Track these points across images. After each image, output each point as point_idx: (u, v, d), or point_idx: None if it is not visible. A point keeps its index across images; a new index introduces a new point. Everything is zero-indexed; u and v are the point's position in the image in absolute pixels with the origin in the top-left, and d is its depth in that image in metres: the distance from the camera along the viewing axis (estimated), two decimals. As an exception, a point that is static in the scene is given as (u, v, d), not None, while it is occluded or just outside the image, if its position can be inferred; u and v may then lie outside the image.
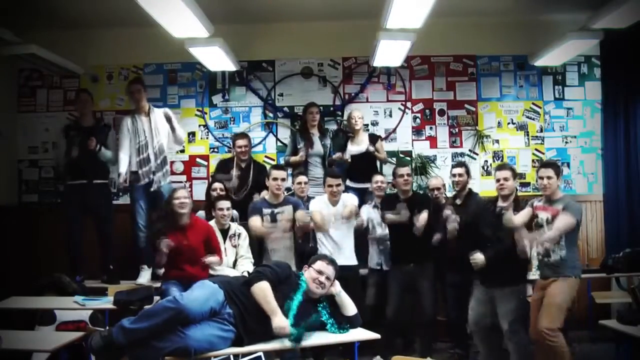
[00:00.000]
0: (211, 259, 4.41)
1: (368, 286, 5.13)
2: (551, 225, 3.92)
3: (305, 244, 4.90)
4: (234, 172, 5.45)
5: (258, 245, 4.86)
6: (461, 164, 5.14)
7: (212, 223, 4.76)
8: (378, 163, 5.79)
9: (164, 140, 5.36)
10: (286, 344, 3.24)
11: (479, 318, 4.37)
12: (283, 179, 4.77)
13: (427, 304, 4.81)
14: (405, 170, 4.91)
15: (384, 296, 4.95)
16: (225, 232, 4.76)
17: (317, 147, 5.65)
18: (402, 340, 5.21)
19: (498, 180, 4.28)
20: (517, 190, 4.52)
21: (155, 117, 5.38)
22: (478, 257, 4.18)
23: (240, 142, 5.58)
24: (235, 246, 4.76)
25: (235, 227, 4.84)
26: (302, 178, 5.12)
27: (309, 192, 5.23)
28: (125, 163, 5.26)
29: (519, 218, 4.08)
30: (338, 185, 4.80)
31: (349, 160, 5.56)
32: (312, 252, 4.76)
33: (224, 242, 4.73)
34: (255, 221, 4.66)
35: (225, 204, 4.74)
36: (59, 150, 5.39)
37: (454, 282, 4.91)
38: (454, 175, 4.98)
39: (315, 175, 5.59)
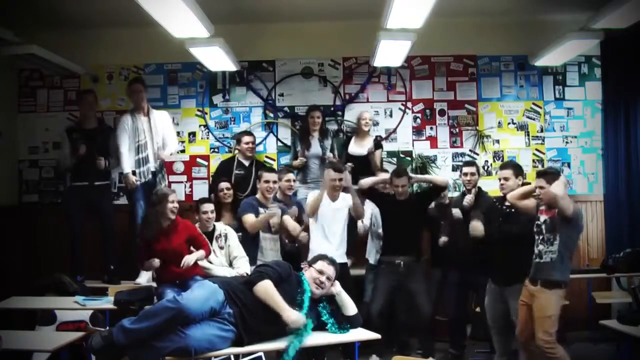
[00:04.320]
0: (192, 256, 4.30)
1: (366, 282, 5.14)
2: (549, 227, 3.93)
3: (292, 244, 4.92)
4: (235, 172, 5.47)
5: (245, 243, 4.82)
6: (472, 163, 5.12)
7: (196, 226, 4.71)
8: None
9: (160, 143, 5.39)
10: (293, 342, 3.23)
11: (495, 316, 4.42)
12: (274, 182, 4.81)
13: (422, 302, 4.79)
14: (401, 181, 4.87)
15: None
16: (210, 235, 4.68)
17: (315, 149, 5.66)
18: (398, 340, 5.21)
19: (499, 180, 4.43)
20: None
21: (155, 118, 5.42)
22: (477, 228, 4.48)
23: (248, 138, 5.69)
24: (222, 247, 4.70)
25: (220, 228, 4.78)
26: (290, 176, 5.10)
27: (307, 193, 5.23)
28: (127, 161, 5.29)
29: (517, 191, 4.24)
30: (340, 179, 4.79)
31: (350, 166, 5.56)
32: (295, 251, 4.85)
33: (211, 245, 4.63)
34: (249, 217, 4.68)
35: (209, 206, 4.72)
36: (62, 152, 5.41)
37: (453, 281, 4.92)
38: (465, 174, 4.92)
39: (313, 177, 5.61)
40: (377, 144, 5.74)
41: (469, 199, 4.77)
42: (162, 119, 5.54)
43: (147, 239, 4.29)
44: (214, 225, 4.77)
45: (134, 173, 5.29)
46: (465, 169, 4.97)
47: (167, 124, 5.59)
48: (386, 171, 5.42)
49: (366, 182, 4.98)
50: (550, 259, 3.90)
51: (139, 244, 4.47)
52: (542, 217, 4.00)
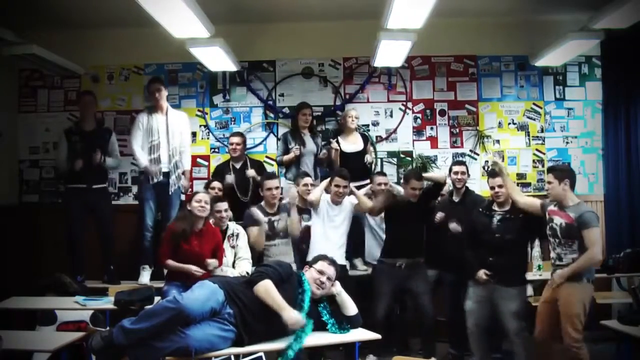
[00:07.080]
0: (210, 261, 4.42)
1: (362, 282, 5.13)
2: (565, 232, 3.89)
3: (300, 245, 4.92)
4: (231, 176, 5.47)
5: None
6: (462, 162, 5.23)
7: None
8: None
9: (177, 143, 5.38)
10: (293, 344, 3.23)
11: (478, 319, 4.37)
12: (277, 188, 4.81)
13: (424, 303, 4.78)
14: (419, 184, 4.78)
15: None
16: (223, 233, 4.73)
17: (310, 146, 5.66)
18: (398, 340, 5.20)
19: (493, 188, 4.38)
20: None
21: (172, 119, 5.42)
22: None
23: (233, 139, 5.66)
24: (233, 247, 4.75)
25: (233, 227, 4.82)
26: (308, 180, 5.12)
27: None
28: (142, 155, 5.28)
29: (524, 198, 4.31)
30: (345, 187, 4.82)
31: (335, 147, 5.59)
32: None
33: (223, 243, 4.71)
34: (252, 231, 4.71)
35: (222, 205, 4.73)
36: (60, 153, 5.42)
37: (451, 282, 4.92)
38: (456, 173, 5.00)
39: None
40: (366, 138, 5.80)
41: (439, 216, 4.92)
42: (180, 119, 5.53)
43: (177, 235, 4.35)
44: (227, 224, 4.80)
45: (145, 173, 5.30)
46: (456, 168, 5.04)
47: (185, 126, 5.57)
48: (384, 174, 5.42)
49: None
50: (572, 260, 3.87)
51: (163, 237, 4.52)
52: (557, 220, 3.95)
